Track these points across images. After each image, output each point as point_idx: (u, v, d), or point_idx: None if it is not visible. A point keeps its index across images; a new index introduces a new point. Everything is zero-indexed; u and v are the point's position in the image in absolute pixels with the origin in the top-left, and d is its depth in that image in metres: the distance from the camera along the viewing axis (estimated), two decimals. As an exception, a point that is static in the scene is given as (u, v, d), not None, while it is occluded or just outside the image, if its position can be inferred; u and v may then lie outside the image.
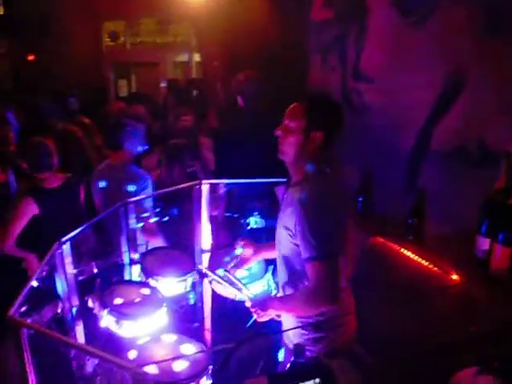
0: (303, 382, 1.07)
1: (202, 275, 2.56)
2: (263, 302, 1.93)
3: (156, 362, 1.71)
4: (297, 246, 1.80)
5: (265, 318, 1.96)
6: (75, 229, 2.10)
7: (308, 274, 1.73)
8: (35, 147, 2.96)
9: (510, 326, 1.51)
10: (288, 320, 1.98)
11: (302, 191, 1.77)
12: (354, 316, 1.97)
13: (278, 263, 2.04)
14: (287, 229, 1.84)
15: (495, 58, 2.18)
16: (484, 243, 2.03)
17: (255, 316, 1.96)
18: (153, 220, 3.01)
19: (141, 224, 2.83)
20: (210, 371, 1.81)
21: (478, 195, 2.20)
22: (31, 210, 2.91)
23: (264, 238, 3.20)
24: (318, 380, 1.09)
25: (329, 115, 1.83)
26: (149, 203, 3.03)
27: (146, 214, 2.98)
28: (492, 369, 1.21)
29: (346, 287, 1.91)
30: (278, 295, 2.09)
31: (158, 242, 3.06)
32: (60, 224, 2.78)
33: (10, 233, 2.86)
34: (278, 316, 2.01)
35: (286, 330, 1.90)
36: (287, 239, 1.86)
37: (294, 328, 1.84)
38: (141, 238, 2.88)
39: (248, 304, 2.00)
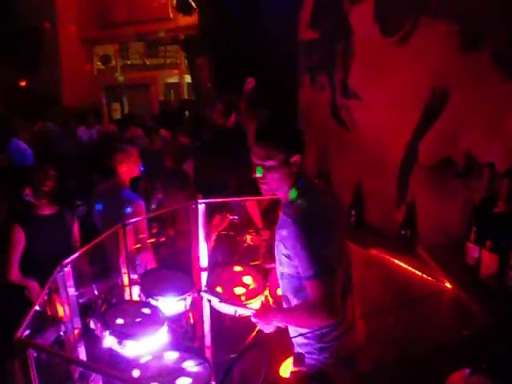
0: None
1: (201, 293, 2.60)
2: (265, 315, 2.01)
3: (161, 375, 1.75)
4: (295, 266, 1.84)
5: (270, 329, 2.04)
6: (63, 259, 2.11)
7: (308, 291, 1.78)
8: (43, 173, 2.98)
9: (499, 329, 1.57)
10: (292, 329, 2.02)
11: (296, 212, 1.81)
12: (362, 326, 2.01)
13: (280, 279, 2.06)
14: (285, 248, 1.87)
15: (479, 70, 2.28)
16: (473, 251, 2.10)
17: (261, 328, 2.04)
18: (150, 240, 3.06)
19: (138, 245, 2.87)
20: (212, 386, 1.84)
21: (466, 204, 2.28)
22: (21, 236, 2.93)
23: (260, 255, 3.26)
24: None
25: (294, 137, 1.88)
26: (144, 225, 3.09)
27: (143, 236, 3.03)
28: (483, 369, 1.26)
29: (351, 297, 1.97)
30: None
31: (150, 261, 3.11)
32: (47, 253, 2.82)
33: (12, 262, 2.88)
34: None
35: (294, 337, 1.93)
36: (286, 260, 1.90)
37: (297, 336, 1.88)
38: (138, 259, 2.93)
39: (253, 319, 2.07)
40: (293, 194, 1.88)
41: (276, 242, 2.01)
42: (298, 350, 1.98)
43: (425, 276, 2.41)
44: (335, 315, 1.74)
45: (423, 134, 2.63)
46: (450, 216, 2.44)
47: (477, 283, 1.97)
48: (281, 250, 1.92)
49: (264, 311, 2.07)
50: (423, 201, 2.69)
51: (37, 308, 1.89)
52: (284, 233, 1.86)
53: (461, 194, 2.36)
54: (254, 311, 2.11)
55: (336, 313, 1.73)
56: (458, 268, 2.14)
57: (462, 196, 2.35)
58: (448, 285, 2.19)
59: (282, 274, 2.01)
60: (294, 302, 1.96)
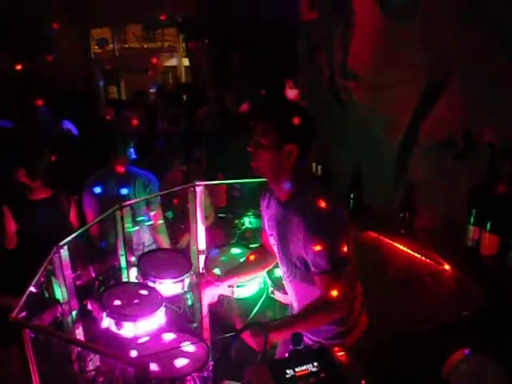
0: (302, 365, 1.12)
1: (199, 275, 2.60)
2: (258, 332, 1.66)
3: (158, 355, 1.74)
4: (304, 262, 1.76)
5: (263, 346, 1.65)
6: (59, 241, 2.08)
7: (321, 286, 1.70)
8: (37, 153, 2.94)
9: (498, 309, 1.56)
10: None
11: (305, 213, 1.71)
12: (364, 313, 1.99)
13: (286, 280, 1.95)
14: (297, 253, 1.78)
15: (479, 49, 2.24)
16: (473, 232, 2.09)
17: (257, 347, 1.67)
18: (160, 221, 3.06)
19: (136, 228, 2.84)
20: (210, 367, 1.84)
21: (466, 186, 2.26)
22: (9, 219, 2.91)
23: (258, 237, 3.24)
24: (316, 363, 1.14)
25: (300, 126, 1.74)
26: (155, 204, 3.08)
27: (141, 218, 3.01)
28: (483, 349, 1.26)
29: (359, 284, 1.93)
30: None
31: (165, 241, 3.11)
32: (42, 237, 2.79)
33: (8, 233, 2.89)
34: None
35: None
36: (298, 263, 1.80)
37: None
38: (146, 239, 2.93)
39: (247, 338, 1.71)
40: (292, 184, 1.78)
41: (274, 240, 1.91)
42: (312, 337, 1.88)
43: (423, 258, 2.41)
44: (346, 308, 1.72)
45: (424, 115, 2.59)
46: (449, 197, 2.42)
47: (476, 264, 1.97)
48: (285, 248, 1.84)
49: (257, 328, 1.69)
50: (423, 183, 2.67)
51: (33, 290, 1.88)
52: (288, 228, 1.78)
53: (460, 174, 2.33)
54: (247, 334, 1.70)
55: (348, 305, 1.72)
56: (457, 249, 2.13)
57: (462, 177, 2.33)
58: (447, 266, 2.18)
59: (289, 274, 1.90)
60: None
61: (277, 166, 1.75)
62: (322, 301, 1.68)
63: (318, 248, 1.65)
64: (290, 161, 1.74)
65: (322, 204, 1.70)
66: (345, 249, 1.68)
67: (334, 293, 1.64)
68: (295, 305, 2.00)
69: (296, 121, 1.72)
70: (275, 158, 1.73)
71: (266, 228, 2.00)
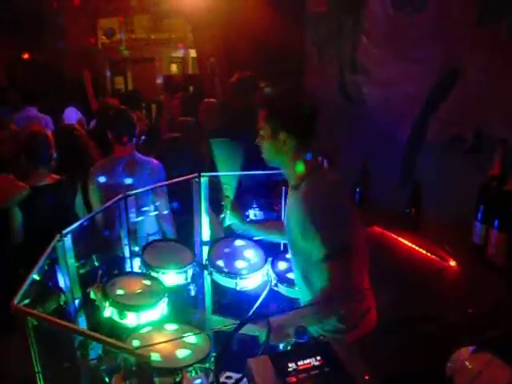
0: (305, 359, 1.11)
1: (202, 266, 2.59)
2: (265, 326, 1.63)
3: (158, 343, 1.74)
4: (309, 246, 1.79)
5: (282, 339, 1.68)
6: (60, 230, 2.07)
7: (323, 274, 1.71)
8: (36, 137, 2.92)
9: (505, 307, 1.55)
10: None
11: (304, 195, 1.78)
12: (374, 308, 1.97)
13: (293, 259, 2.01)
14: (297, 231, 1.83)
15: (491, 46, 2.20)
16: (480, 229, 2.06)
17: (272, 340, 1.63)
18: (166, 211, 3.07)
19: (141, 217, 2.84)
20: (212, 358, 1.83)
21: (474, 183, 2.23)
22: None
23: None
24: (319, 357, 1.12)
25: (291, 115, 1.81)
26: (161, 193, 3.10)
27: (146, 208, 3.01)
28: (488, 347, 1.24)
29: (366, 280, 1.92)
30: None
31: (170, 231, 3.13)
32: (46, 224, 2.77)
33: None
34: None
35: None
36: (298, 242, 1.86)
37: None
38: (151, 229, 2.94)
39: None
40: (298, 170, 1.84)
41: (286, 223, 1.98)
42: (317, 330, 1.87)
43: (429, 254, 2.39)
44: (350, 298, 1.72)
45: (433, 110, 2.57)
46: (457, 194, 2.39)
47: (483, 262, 1.94)
48: (292, 230, 1.89)
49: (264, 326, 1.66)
50: (430, 178, 2.64)
51: (35, 277, 1.88)
52: (295, 213, 1.84)
53: (469, 171, 2.31)
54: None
55: (351, 295, 1.71)
56: (464, 247, 2.11)
57: (471, 173, 2.30)
58: (452, 263, 2.16)
59: (295, 253, 1.95)
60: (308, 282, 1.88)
61: (277, 154, 1.83)
62: (322, 293, 1.68)
63: (316, 236, 1.69)
64: (289, 150, 1.80)
65: (319, 193, 1.76)
66: (344, 238, 1.70)
67: (334, 282, 1.64)
68: (301, 294, 2.01)
69: (286, 110, 1.80)
70: (274, 147, 1.81)
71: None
